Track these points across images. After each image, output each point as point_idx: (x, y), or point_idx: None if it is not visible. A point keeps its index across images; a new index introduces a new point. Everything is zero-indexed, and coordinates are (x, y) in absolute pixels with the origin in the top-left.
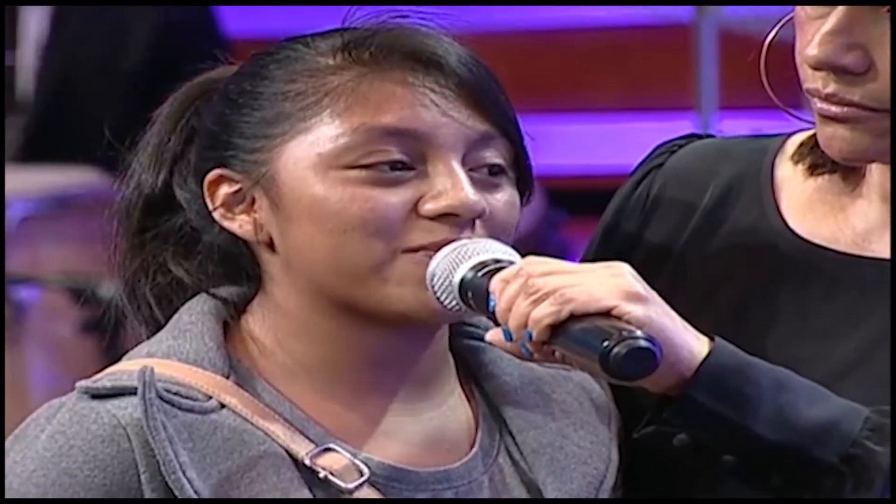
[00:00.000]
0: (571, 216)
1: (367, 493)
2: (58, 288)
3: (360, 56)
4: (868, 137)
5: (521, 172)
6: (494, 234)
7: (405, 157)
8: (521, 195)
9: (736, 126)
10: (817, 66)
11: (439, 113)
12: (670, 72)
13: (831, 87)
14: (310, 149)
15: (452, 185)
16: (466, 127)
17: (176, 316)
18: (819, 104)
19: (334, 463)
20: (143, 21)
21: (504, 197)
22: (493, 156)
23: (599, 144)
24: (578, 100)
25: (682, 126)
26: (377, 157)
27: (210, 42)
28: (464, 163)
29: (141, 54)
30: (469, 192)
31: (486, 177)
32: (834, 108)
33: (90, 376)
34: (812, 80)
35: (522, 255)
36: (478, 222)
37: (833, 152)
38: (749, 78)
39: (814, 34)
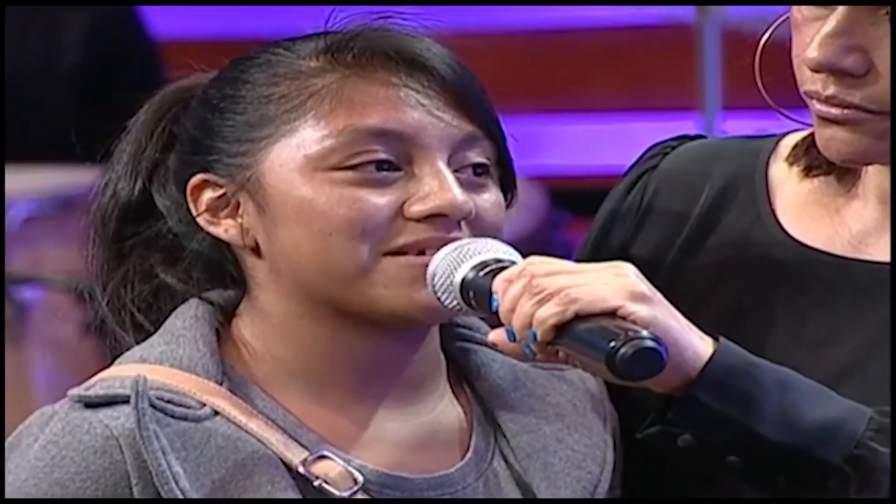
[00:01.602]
0: (574, 216)
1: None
2: (61, 288)
3: (343, 58)
4: (867, 139)
5: (504, 173)
6: (481, 234)
7: (391, 158)
8: (505, 196)
9: (740, 126)
10: (817, 69)
11: (424, 113)
12: (673, 72)
13: (831, 90)
14: (295, 151)
15: (440, 185)
16: (452, 127)
17: (169, 321)
18: (818, 106)
19: (329, 470)
20: (75, 21)
21: (490, 198)
22: (478, 156)
23: (601, 144)
24: (580, 100)
25: (684, 126)
26: (363, 157)
27: (138, 43)
28: (449, 163)
29: (76, 54)
30: (457, 193)
31: (471, 177)
32: (833, 111)
33: (92, 377)
34: (811, 83)
35: (526, 256)
36: (464, 223)
37: (832, 154)
38: (752, 78)
39: (813, 36)
